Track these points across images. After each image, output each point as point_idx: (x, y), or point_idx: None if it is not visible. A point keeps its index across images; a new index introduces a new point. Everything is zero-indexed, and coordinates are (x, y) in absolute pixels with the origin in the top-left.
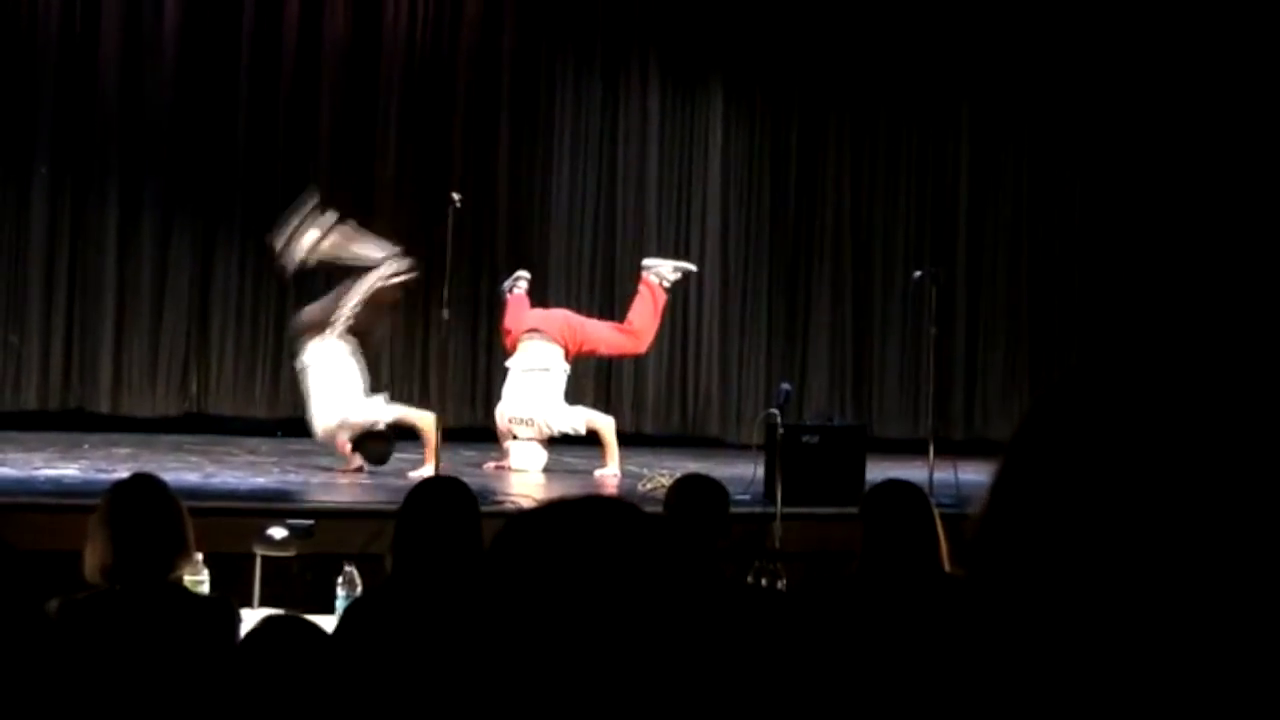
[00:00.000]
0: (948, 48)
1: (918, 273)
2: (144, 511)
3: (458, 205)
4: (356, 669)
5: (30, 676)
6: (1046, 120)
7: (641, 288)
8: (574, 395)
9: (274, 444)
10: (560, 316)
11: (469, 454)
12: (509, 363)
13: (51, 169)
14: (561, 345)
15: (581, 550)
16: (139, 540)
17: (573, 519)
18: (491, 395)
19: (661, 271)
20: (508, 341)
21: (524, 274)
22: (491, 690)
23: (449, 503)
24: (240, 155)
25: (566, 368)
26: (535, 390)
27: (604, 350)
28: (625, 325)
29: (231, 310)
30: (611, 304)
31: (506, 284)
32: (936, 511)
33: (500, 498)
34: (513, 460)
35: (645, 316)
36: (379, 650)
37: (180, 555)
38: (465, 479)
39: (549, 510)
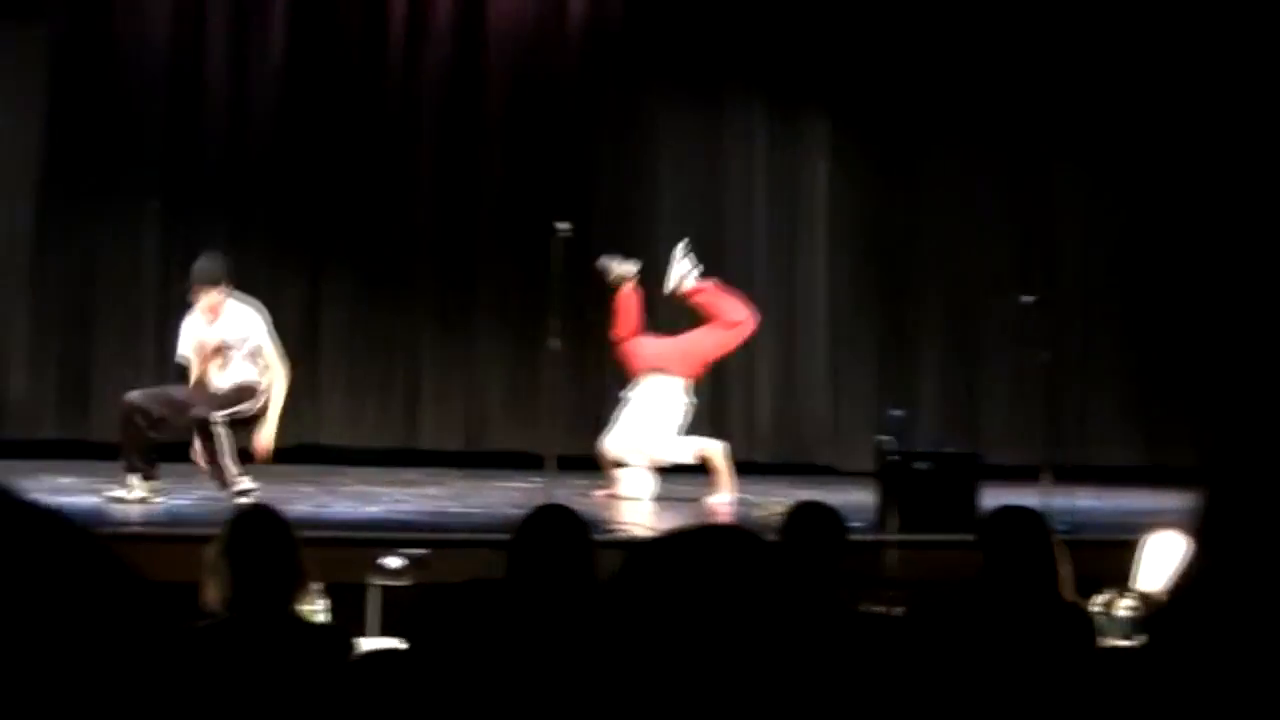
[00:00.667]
0: (1049, 70)
1: (1028, 297)
2: (263, 542)
3: (563, 235)
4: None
5: (162, 707)
6: (1152, 138)
7: (697, 299)
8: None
9: (385, 473)
10: (677, 351)
11: (579, 483)
12: (628, 394)
13: (162, 204)
14: (686, 377)
15: (706, 580)
16: (258, 571)
17: (697, 549)
18: (601, 423)
19: (684, 273)
20: (620, 350)
21: (631, 266)
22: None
23: (562, 531)
24: (345, 186)
25: (690, 400)
26: (650, 422)
27: (725, 353)
28: (721, 323)
29: (341, 340)
30: None
31: (613, 268)
32: (1055, 538)
33: (612, 526)
34: (623, 488)
35: (724, 307)
36: (494, 675)
37: (298, 586)
38: (576, 507)
39: (673, 540)
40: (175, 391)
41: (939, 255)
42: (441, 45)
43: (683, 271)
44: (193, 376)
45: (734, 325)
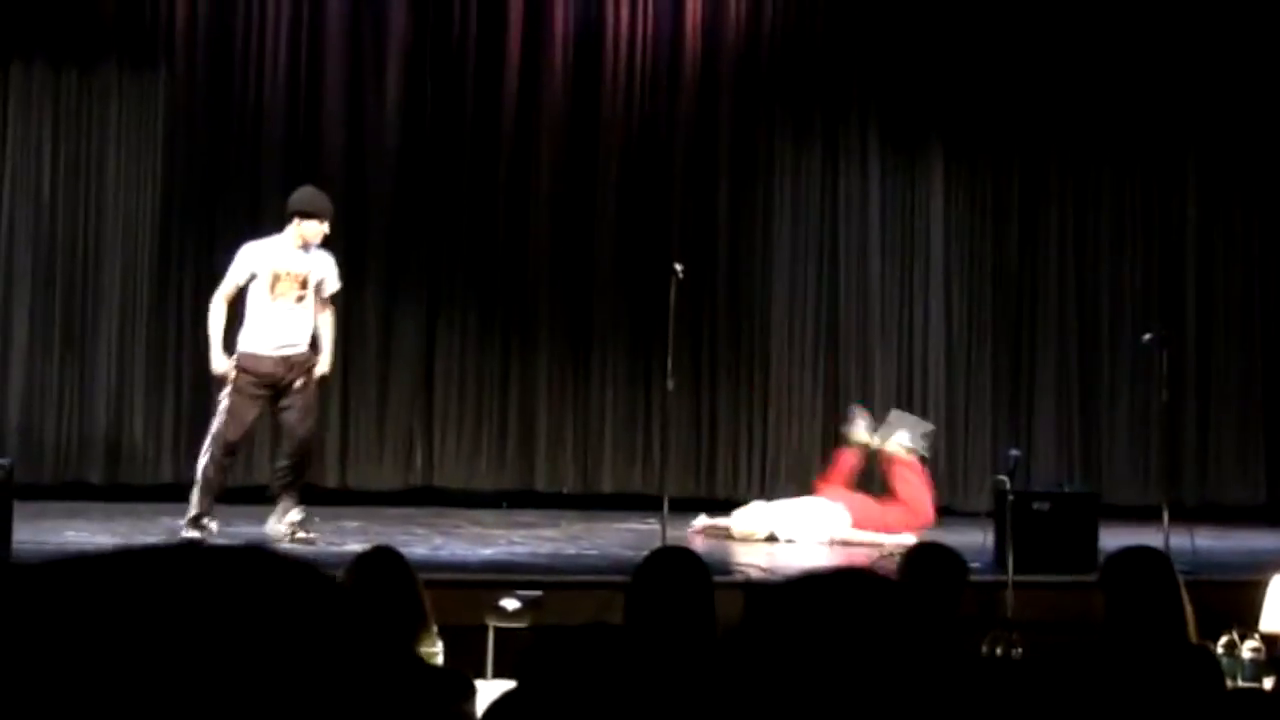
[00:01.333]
0: (1172, 100)
1: (1147, 335)
2: (386, 584)
3: (680, 276)
4: None
5: None
6: (1276, 173)
7: (895, 471)
8: (799, 467)
9: (499, 515)
10: (860, 504)
11: (695, 523)
12: (789, 505)
13: None
14: (850, 524)
15: (833, 626)
16: (381, 612)
17: (823, 593)
18: (716, 464)
19: (901, 441)
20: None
21: (864, 434)
22: None
23: (682, 573)
24: (462, 228)
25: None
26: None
27: (889, 533)
28: (905, 508)
29: (454, 382)
30: (834, 371)
31: (853, 430)
32: (1181, 580)
33: (733, 568)
34: (735, 524)
35: (915, 494)
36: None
37: (420, 627)
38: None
39: (802, 583)
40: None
41: (1057, 291)
42: (558, 84)
43: (901, 439)
44: (260, 300)
45: (916, 516)
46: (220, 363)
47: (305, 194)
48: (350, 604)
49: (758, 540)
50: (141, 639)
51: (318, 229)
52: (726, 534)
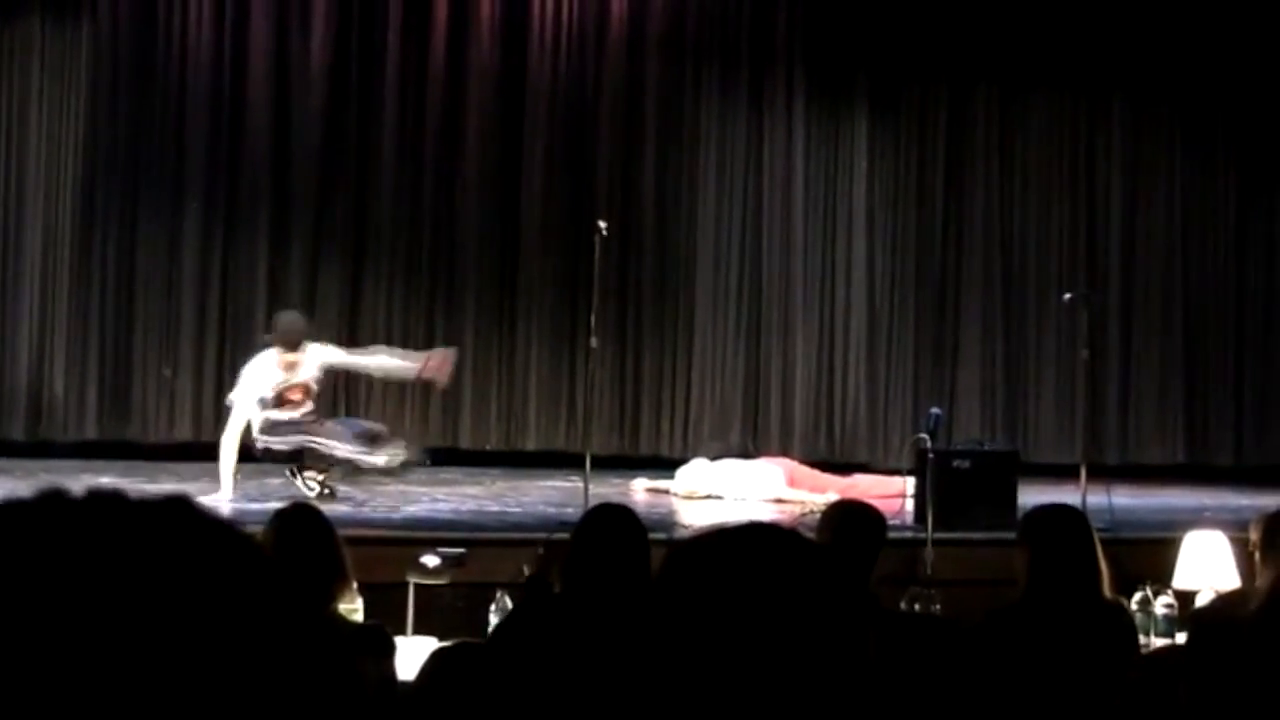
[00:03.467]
0: (1096, 63)
1: (1069, 295)
2: (305, 541)
3: (604, 233)
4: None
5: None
6: (1200, 136)
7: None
8: (721, 424)
9: (423, 473)
10: (800, 468)
11: (616, 481)
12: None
13: (202, 204)
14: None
15: (747, 578)
16: (301, 569)
17: (736, 547)
18: (640, 422)
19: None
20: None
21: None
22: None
23: (620, 530)
24: (387, 186)
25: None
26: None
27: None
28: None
29: (379, 340)
30: (757, 330)
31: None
32: (1097, 537)
33: (673, 526)
34: (677, 483)
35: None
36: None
37: (340, 584)
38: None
39: (714, 538)
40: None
41: (982, 250)
42: (485, 43)
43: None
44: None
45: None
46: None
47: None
48: (267, 561)
49: (699, 498)
50: (45, 588)
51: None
52: (668, 492)
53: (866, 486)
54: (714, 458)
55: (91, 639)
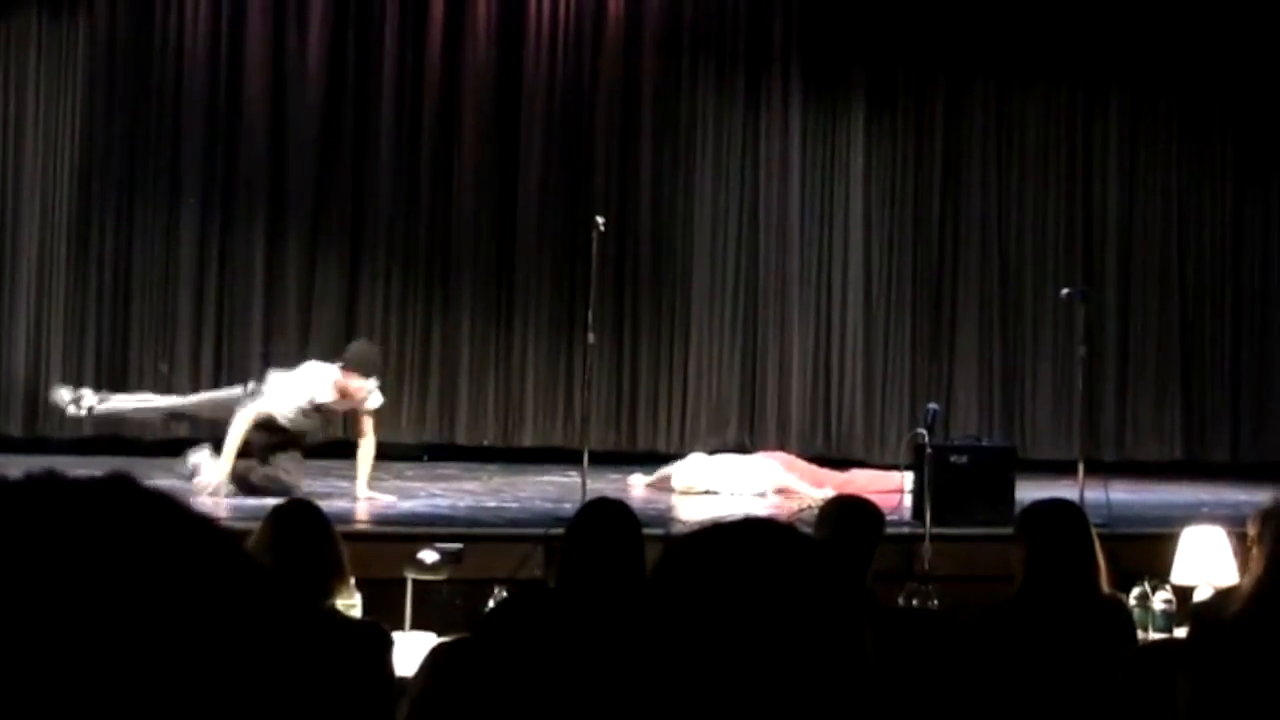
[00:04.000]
0: (1094, 59)
1: (1066, 291)
2: (303, 537)
3: (601, 229)
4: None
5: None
6: (1198, 134)
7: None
8: (718, 419)
9: (421, 469)
10: (798, 463)
11: (614, 476)
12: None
13: (199, 199)
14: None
15: (744, 574)
16: (299, 565)
17: (735, 542)
18: (637, 417)
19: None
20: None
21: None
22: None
23: (614, 524)
24: (383, 181)
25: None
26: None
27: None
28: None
29: (377, 336)
30: (754, 326)
31: None
32: (1095, 532)
33: (668, 521)
34: (675, 478)
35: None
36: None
37: (336, 580)
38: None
39: (710, 533)
40: None
41: (979, 246)
42: (482, 38)
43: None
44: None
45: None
46: None
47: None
48: (214, 534)
49: (696, 493)
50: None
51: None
52: (667, 486)
53: (864, 482)
54: (711, 453)
55: (24, 620)
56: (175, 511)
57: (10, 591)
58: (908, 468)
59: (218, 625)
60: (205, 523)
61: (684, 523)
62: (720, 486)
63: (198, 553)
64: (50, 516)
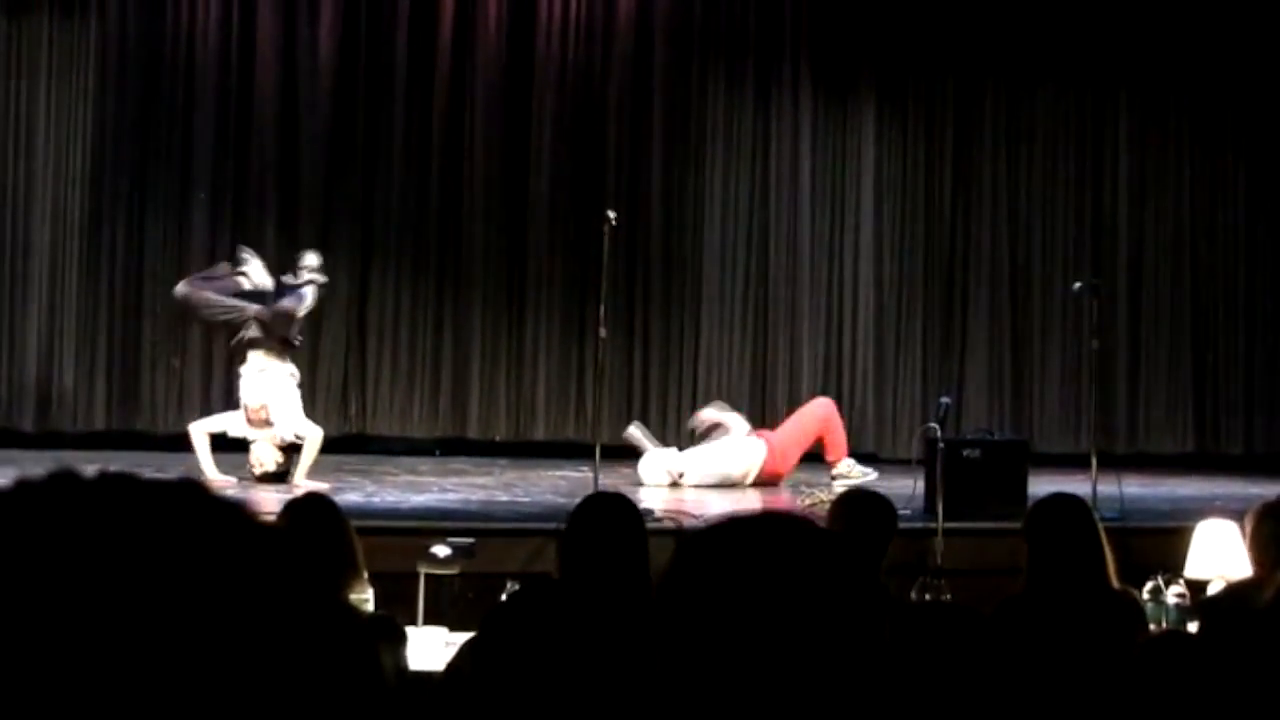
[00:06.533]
0: (1104, 51)
1: (1077, 285)
2: (316, 531)
3: (613, 224)
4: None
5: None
6: (1209, 125)
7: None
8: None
9: (433, 463)
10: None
11: (626, 471)
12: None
13: (210, 195)
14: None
15: (763, 566)
16: (312, 559)
17: (753, 535)
18: (648, 412)
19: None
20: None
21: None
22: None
23: (615, 518)
24: (394, 177)
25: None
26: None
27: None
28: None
29: (388, 332)
30: (765, 321)
31: None
32: (1101, 526)
33: (661, 515)
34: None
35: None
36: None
37: (350, 574)
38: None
39: (728, 526)
40: None
41: (989, 240)
42: (492, 33)
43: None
44: None
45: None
46: None
47: None
48: (279, 545)
49: (663, 486)
50: (56, 569)
51: None
52: (680, 478)
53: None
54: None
55: (100, 621)
56: (241, 519)
57: (84, 591)
58: (919, 462)
59: (276, 627)
60: (269, 532)
61: (696, 518)
62: (685, 476)
63: (262, 560)
64: (125, 519)
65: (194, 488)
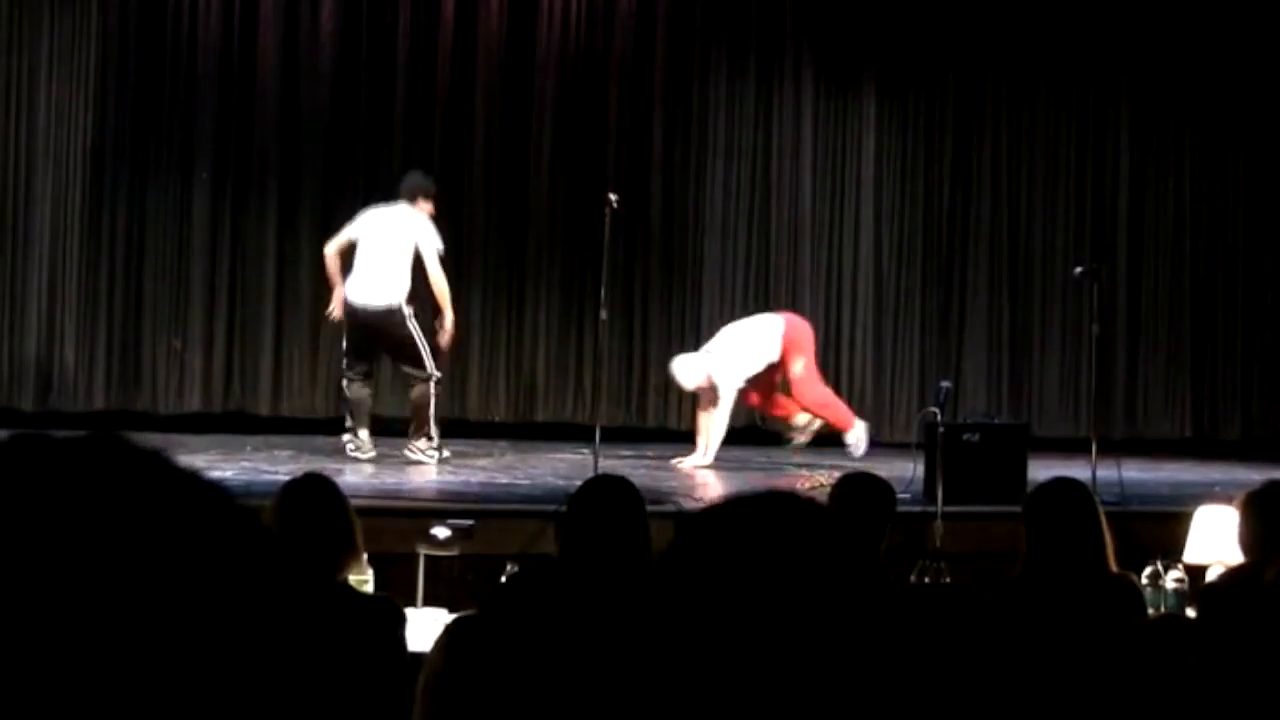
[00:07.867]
0: (1105, 37)
1: (1078, 269)
2: (315, 511)
3: (614, 206)
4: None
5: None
6: (1209, 110)
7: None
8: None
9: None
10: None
11: (625, 454)
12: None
13: (212, 174)
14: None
15: (766, 546)
16: (310, 539)
17: (755, 514)
18: (648, 395)
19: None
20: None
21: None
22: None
23: (616, 500)
24: (396, 159)
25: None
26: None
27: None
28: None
29: None
30: (765, 305)
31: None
32: (1101, 510)
33: (664, 497)
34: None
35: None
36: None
37: (349, 555)
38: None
39: (729, 506)
40: None
41: (989, 225)
42: (494, 17)
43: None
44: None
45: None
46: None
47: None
48: (200, 487)
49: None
50: None
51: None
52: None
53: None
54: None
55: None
56: (166, 468)
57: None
58: (919, 446)
59: (209, 582)
60: (197, 479)
61: (696, 499)
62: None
63: (190, 509)
64: (39, 477)
65: (112, 440)
